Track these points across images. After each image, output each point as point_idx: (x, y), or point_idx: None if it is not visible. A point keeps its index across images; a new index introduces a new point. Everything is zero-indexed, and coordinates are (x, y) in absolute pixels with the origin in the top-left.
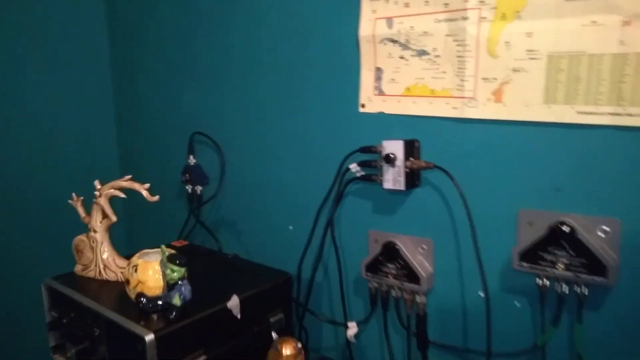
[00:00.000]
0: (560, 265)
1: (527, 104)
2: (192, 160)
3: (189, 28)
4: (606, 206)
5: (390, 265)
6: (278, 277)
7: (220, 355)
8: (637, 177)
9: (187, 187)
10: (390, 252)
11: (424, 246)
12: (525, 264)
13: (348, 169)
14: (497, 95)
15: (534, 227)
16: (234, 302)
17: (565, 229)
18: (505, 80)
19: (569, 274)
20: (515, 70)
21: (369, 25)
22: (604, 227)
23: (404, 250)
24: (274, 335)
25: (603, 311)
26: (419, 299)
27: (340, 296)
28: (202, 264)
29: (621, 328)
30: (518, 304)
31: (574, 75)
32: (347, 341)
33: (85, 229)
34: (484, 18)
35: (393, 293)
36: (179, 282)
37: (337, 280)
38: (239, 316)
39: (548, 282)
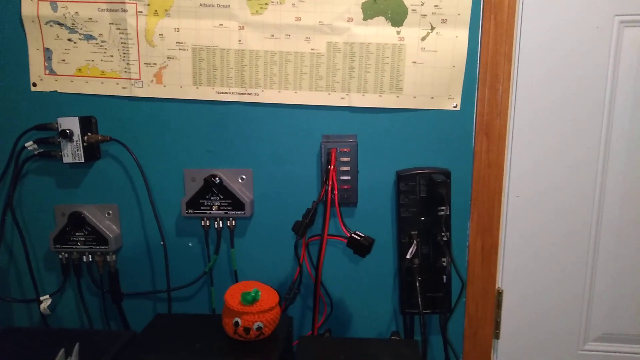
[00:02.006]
0: (215, 207)
1: (181, 85)
2: None
3: None
4: (242, 161)
5: (78, 234)
6: None
7: None
8: (257, 140)
9: None
10: (77, 221)
11: (110, 211)
12: (191, 211)
13: (24, 148)
14: (158, 77)
15: (195, 182)
16: None
17: (215, 180)
18: (163, 65)
19: (221, 212)
20: (169, 57)
21: (31, 6)
22: (243, 176)
23: (90, 218)
24: None
25: (247, 235)
26: (109, 258)
27: (29, 273)
28: None
29: (258, 246)
30: (190, 244)
31: (212, 64)
32: (43, 314)
33: None
34: (141, 12)
35: (84, 259)
36: None
37: (24, 259)
38: None
39: (209, 222)
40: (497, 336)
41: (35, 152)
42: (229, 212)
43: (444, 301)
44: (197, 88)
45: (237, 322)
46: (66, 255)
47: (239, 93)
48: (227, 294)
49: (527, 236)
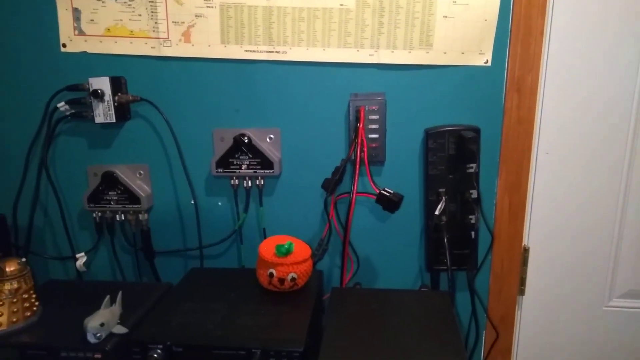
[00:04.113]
0: (244, 166)
1: (209, 43)
2: None
3: None
4: (270, 121)
5: (111, 193)
6: None
7: None
8: (285, 99)
9: None
10: (109, 181)
11: (141, 171)
12: (220, 170)
13: (56, 108)
14: (186, 36)
15: (224, 141)
16: None
17: (245, 139)
18: (191, 24)
19: (250, 171)
20: (197, 15)
21: None
22: (271, 135)
23: (123, 177)
24: None
25: (275, 194)
26: (141, 217)
27: (65, 231)
28: None
29: (286, 204)
30: (220, 203)
31: (239, 22)
32: (78, 271)
33: None
34: None
35: (117, 218)
36: None
37: (60, 218)
38: None
39: (237, 181)
40: (522, 292)
41: (67, 113)
42: (257, 171)
43: (470, 258)
44: (225, 47)
45: (271, 273)
46: (100, 214)
47: (266, 51)
48: (261, 246)
49: (555, 194)
